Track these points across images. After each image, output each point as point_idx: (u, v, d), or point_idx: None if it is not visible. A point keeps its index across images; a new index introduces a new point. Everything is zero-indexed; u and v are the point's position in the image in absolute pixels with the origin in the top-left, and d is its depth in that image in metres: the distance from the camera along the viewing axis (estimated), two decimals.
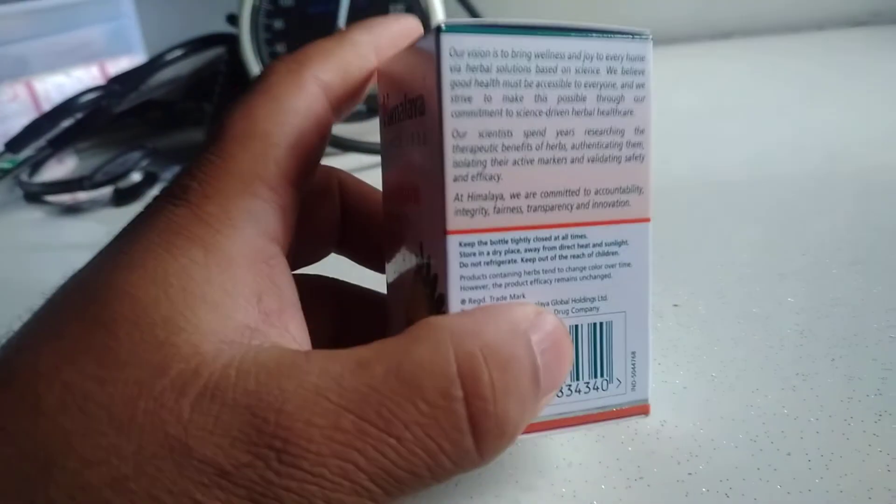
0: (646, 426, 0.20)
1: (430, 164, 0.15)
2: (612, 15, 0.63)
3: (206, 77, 0.51)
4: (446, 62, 0.14)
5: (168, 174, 0.47)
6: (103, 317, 0.13)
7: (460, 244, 0.15)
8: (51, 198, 0.46)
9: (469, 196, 0.14)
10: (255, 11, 0.45)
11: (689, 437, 0.20)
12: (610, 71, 0.16)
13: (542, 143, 0.15)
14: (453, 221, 0.14)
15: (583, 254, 0.16)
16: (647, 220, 0.17)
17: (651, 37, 0.17)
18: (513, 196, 0.15)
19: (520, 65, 0.15)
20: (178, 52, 0.50)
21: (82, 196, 0.45)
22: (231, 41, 0.48)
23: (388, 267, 0.20)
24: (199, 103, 0.51)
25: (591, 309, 0.16)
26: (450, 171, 0.14)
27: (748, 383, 0.22)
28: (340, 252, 0.22)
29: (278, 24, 0.45)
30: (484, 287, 0.15)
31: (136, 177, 0.44)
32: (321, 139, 0.17)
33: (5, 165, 0.48)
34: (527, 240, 0.15)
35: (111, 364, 0.12)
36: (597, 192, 0.16)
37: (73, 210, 0.44)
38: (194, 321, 0.13)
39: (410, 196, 0.16)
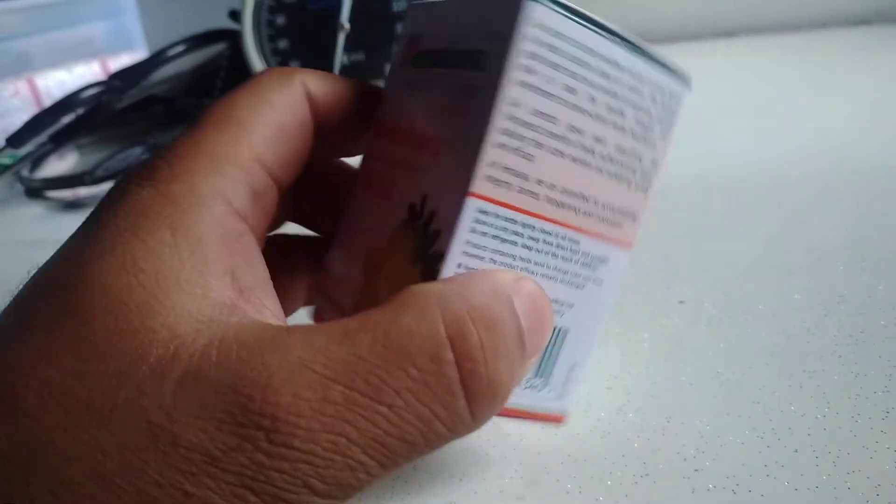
0: (652, 422, 0.20)
1: (473, 122, 0.14)
2: (613, 14, 0.63)
3: (207, 73, 0.51)
4: (528, 30, 0.14)
5: None
6: (76, 307, 0.12)
7: (477, 209, 0.14)
8: (52, 193, 0.45)
9: (502, 166, 0.14)
10: (258, 7, 0.45)
11: (696, 434, 0.20)
12: (652, 99, 0.16)
13: (578, 142, 0.15)
14: (479, 185, 0.14)
15: (571, 258, 0.16)
16: (630, 246, 0.17)
17: (691, 85, 0.17)
18: (538, 181, 0.15)
19: (587, 60, 0.15)
20: (179, 48, 0.50)
21: (83, 192, 0.44)
22: (233, 37, 0.48)
23: (354, 203, 0.19)
24: (201, 99, 0.50)
25: (557, 312, 0.17)
26: (493, 136, 0.14)
27: (754, 380, 0.21)
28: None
29: (280, 19, 0.45)
30: (481, 258, 0.15)
31: None
32: (303, 137, 0.17)
33: (6, 161, 0.48)
34: (532, 227, 0.15)
35: (88, 356, 0.12)
36: (603, 206, 0.16)
37: (74, 206, 0.44)
38: (169, 304, 0.12)
39: (425, 145, 0.16)
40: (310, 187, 0.19)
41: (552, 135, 0.15)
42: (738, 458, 0.19)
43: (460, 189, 0.14)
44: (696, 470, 0.18)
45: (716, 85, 0.51)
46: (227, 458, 0.11)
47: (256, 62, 0.45)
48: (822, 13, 0.61)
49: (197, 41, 0.50)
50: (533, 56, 0.14)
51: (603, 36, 0.15)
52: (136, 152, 0.45)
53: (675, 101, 0.17)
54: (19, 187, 0.47)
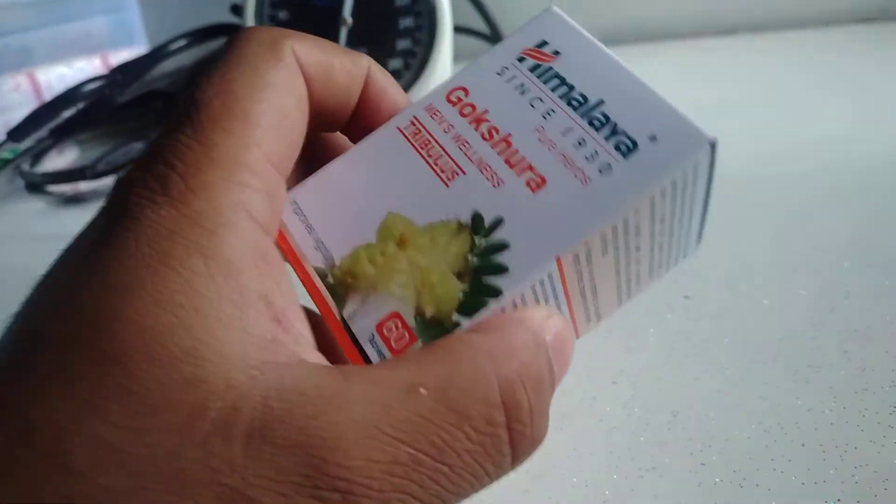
0: (658, 417, 0.20)
1: (594, 200, 0.15)
2: (614, 14, 0.63)
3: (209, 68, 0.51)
4: (690, 164, 0.15)
5: None
6: (116, 353, 0.11)
7: (549, 273, 0.15)
8: (52, 188, 0.45)
9: (587, 251, 0.15)
10: (260, 2, 0.44)
11: (702, 428, 0.19)
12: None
13: (634, 254, 0.17)
14: (566, 256, 0.15)
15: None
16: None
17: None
18: (590, 273, 0.16)
19: (686, 192, 0.16)
20: (181, 43, 0.50)
21: (84, 186, 0.44)
22: (235, 32, 0.47)
23: (378, 143, 0.18)
24: None
25: None
26: (607, 227, 0.15)
27: (760, 375, 0.21)
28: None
29: (283, 14, 0.45)
30: (517, 305, 0.15)
31: None
32: (302, 117, 0.16)
33: (7, 155, 0.48)
34: (558, 300, 0.16)
35: (140, 410, 0.11)
36: (597, 308, 0.18)
37: (74, 200, 0.44)
38: (216, 347, 0.12)
39: (525, 171, 0.16)
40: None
41: (627, 245, 0.16)
42: (744, 453, 0.18)
43: (552, 250, 0.15)
44: (702, 464, 0.18)
45: (718, 83, 0.51)
46: None
47: None
48: (824, 10, 0.61)
49: (198, 36, 0.50)
50: (676, 184, 0.15)
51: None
52: (136, 146, 0.45)
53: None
54: (20, 182, 0.47)
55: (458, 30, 0.49)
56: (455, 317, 0.15)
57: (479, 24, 0.51)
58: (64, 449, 0.11)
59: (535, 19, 0.18)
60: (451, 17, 0.45)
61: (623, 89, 0.17)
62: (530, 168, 0.16)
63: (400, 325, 0.16)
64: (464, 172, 0.16)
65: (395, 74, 0.45)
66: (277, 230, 0.15)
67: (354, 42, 0.45)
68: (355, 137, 0.18)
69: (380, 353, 0.15)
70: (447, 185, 0.16)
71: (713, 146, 0.15)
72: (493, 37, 0.50)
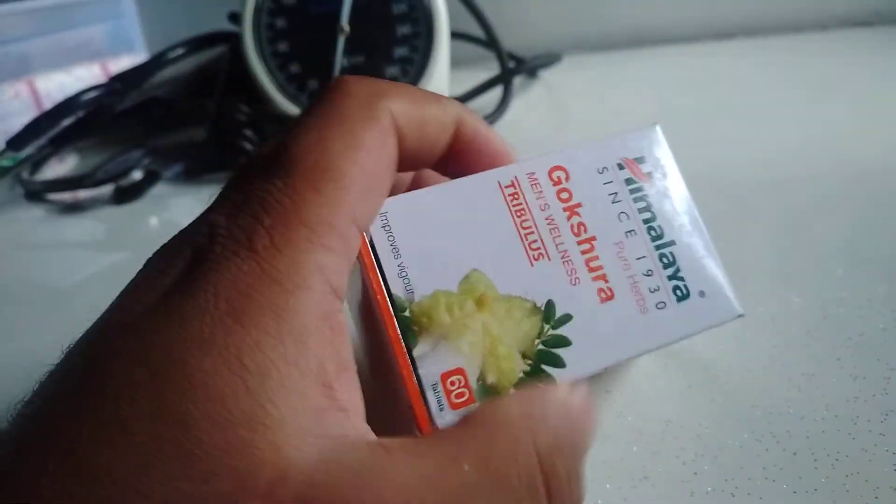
0: (651, 426, 0.20)
1: (653, 330, 0.18)
2: (613, 19, 0.63)
3: (208, 75, 0.51)
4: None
5: (169, 173, 0.47)
6: (178, 410, 0.11)
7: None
8: (52, 196, 0.45)
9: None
10: (258, 10, 0.45)
11: (694, 437, 0.20)
12: None
13: None
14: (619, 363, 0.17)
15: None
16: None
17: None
18: None
19: None
20: (179, 51, 0.50)
21: (83, 194, 0.44)
22: (233, 39, 0.48)
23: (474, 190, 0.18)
24: (201, 102, 0.50)
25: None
26: (653, 349, 0.18)
27: (753, 383, 0.21)
28: None
29: (280, 22, 0.45)
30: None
31: (137, 175, 0.44)
32: (391, 176, 0.16)
33: (6, 163, 0.48)
34: None
35: (193, 474, 0.11)
36: None
37: (73, 208, 0.44)
38: (275, 414, 0.12)
39: (600, 281, 0.18)
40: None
41: None
42: (736, 462, 0.19)
43: (602, 360, 0.17)
44: (694, 473, 0.18)
45: (714, 87, 0.51)
46: None
47: (256, 65, 0.45)
48: (821, 15, 0.61)
49: (197, 44, 0.50)
50: None
51: None
52: (135, 154, 0.45)
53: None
54: (19, 190, 0.47)
55: (455, 36, 0.50)
56: (512, 391, 0.17)
57: (476, 31, 0.51)
58: (120, 502, 0.10)
59: (640, 131, 0.19)
60: (447, 24, 0.45)
61: (691, 236, 0.19)
62: (604, 279, 0.18)
63: (463, 381, 0.17)
64: (549, 258, 0.18)
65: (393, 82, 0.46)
66: (361, 240, 0.15)
67: (352, 50, 0.45)
68: (443, 171, 0.19)
69: (439, 402, 0.16)
70: (532, 264, 0.17)
71: (740, 316, 0.18)
72: (490, 43, 0.50)
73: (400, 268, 0.17)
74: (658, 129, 0.19)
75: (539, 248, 0.17)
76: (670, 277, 0.18)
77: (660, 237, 0.18)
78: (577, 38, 0.64)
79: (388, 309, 0.17)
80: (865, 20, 0.60)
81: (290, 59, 0.45)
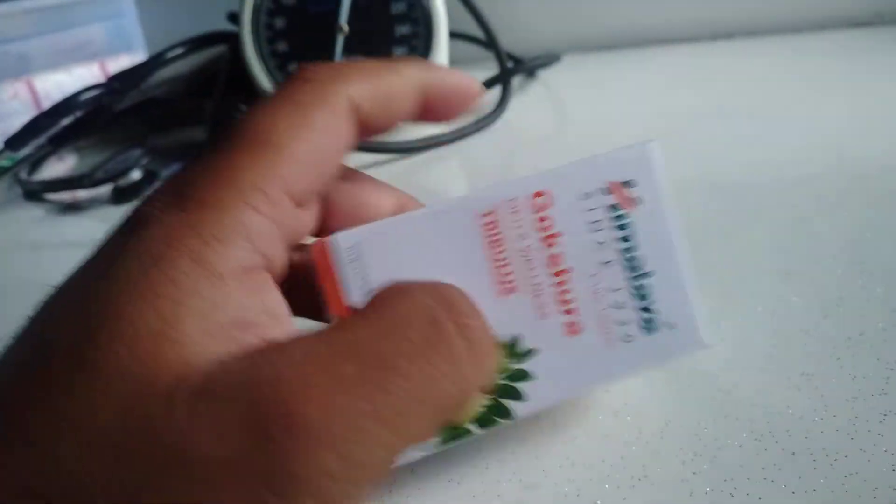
0: (650, 425, 0.20)
1: (617, 363, 0.18)
2: (612, 19, 0.63)
3: (207, 75, 0.51)
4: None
5: (168, 172, 0.47)
6: (91, 333, 0.12)
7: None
8: (50, 196, 0.45)
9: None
10: (257, 9, 0.45)
11: (694, 437, 0.20)
12: None
13: None
14: (581, 393, 0.19)
15: None
16: None
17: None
18: None
19: None
20: (178, 51, 0.50)
21: (82, 194, 0.44)
22: (232, 39, 0.48)
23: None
24: (200, 101, 0.50)
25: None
26: (616, 381, 0.20)
27: (752, 382, 0.21)
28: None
29: (280, 22, 0.45)
30: None
31: (135, 175, 0.44)
32: (338, 159, 0.17)
33: (5, 163, 0.48)
34: None
35: (99, 384, 0.12)
36: None
37: (72, 208, 0.44)
38: (181, 329, 0.12)
39: (566, 315, 0.17)
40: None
41: None
42: (735, 461, 0.19)
43: (563, 392, 0.18)
44: (693, 473, 0.18)
45: (713, 87, 0.51)
46: (245, 462, 0.11)
47: (255, 64, 0.45)
48: (820, 15, 0.61)
49: (196, 43, 0.50)
50: None
51: None
52: (134, 154, 0.45)
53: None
54: (18, 189, 0.47)
55: (454, 36, 0.50)
56: (470, 425, 0.17)
57: (475, 31, 0.51)
58: (25, 421, 0.12)
59: (633, 149, 0.17)
60: (446, 24, 0.45)
61: (670, 268, 0.18)
62: (574, 312, 0.17)
63: None
64: (520, 291, 0.17)
65: None
66: (278, 264, 0.16)
67: (351, 50, 0.45)
68: (418, 119, 0.19)
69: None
70: (500, 296, 0.17)
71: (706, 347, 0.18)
72: (489, 43, 0.50)
73: (369, 292, 0.17)
74: (654, 146, 0.18)
75: (511, 282, 0.17)
76: (642, 309, 0.17)
77: (637, 268, 0.17)
78: (576, 38, 0.64)
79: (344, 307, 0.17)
80: (866, 20, 0.60)
81: (289, 59, 0.45)
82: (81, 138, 0.51)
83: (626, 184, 0.17)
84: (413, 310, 0.14)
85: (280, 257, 0.16)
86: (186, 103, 0.54)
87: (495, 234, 0.17)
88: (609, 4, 0.62)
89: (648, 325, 0.18)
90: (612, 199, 0.17)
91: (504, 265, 0.17)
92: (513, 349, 0.17)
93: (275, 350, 0.13)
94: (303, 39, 0.45)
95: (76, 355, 0.12)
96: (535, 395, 0.17)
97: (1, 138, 0.48)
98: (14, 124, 0.48)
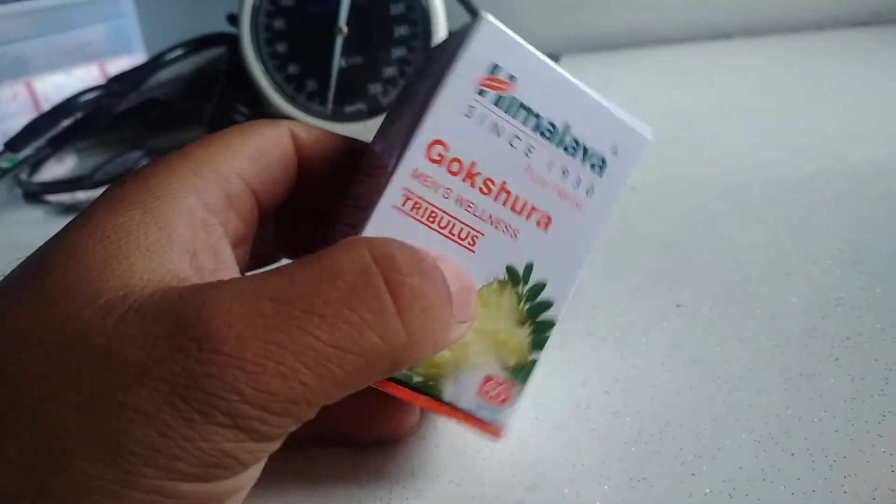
0: (649, 426, 0.20)
1: (588, 222, 0.18)
2: (610, 20, 0.63)
3: (206, 77, 0.51)
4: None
5: None
6: (45, 266, 0.14)
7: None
8: (50, 197, 0.45)
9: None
10: (256, 11, 0.45)
11: (693, 438, 0.20)
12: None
13: None
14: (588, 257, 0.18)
15: None
16: None
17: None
18: None
19: None
20: (178, 52, 0.50)
21: (82, 195, 0.44)
22: (231, 41, 0.48)
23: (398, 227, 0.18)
24: (199, 103, 0.50)
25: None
26: (607, 228, 0.18)
27: (752, 383, 0.21)
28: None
29: (279, 23, 0.45)
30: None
31: None
32: (285, 167, 0.19)
33: (5, 165, 0.48)
34: None
35: (48, 302, 0.13)
36: None
37: (72, 209, 0.44)
38: (126, 263, 0.14)
39: (532, 215, 0.18)
40: (298, 223, 0.21)
41: None
42: (735, 463, 0.19)
43: (575, 269, 0.18)
44: (693, 474, 0.18)
45: (713, 87, 0.51)
46: (158, 368, 0.12)
47: (255, 65, 0.45)
48: (819, 15, 0.61)
49: (195, 45, 0.50)
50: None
51: None
52: (134, 156, 0.45)
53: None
54: (17, 191, 0.47)
55: None
56: (531, 356, 0.18)
57: None
58: None
59: (475, 34, 0.16)
60: (445, 25, 0.45)
61: (578, 106, 0.18)
62: (535, 210, 0.17)
63: (495, 383, 0.18)
64: (482, 234, 0.17)
65: (391, 83, 0.46)
66: (229, 229, 0.17)
67: (349, 51, 0.45)
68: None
69: (492, 411, 0.18)
70: (472, 250, 0.17)
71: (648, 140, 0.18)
72: None
73: None
74: (489, 19, 0.17)
75: (469, 233, 0.17)
76: (583, 160, 0.18)
77: (554, 131, 0.17)
78: (575, 38, 0.64)
79: (399, 389, 0.17)
80: (865, 20, 0.60)
81: (288, 60, 0.45)
82: (81, 140, 0.51)
83: (493, 71, 0.17)
84: (348, 260, 0.14)
85: (232, 221, 0.17)
86: (186, 105, 0.54)
87: (425, 211, 0.17)
88: (608, 4, 0.62)
89: (597, 166, 0.18)
90: (492, 96, 0.17)
91: (453, 226, 0.17)
92: (515, 279, 0.18)
93: (210, 285, 0.14)
94: (302, 41, 0.45)
95: (30, 281, 0.14)
96: (557, 293, 0.18)
97: (1, 139, 0.48)
98: (13, 126, 0.48)
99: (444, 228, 0.17)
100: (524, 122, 0.17)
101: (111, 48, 0.61)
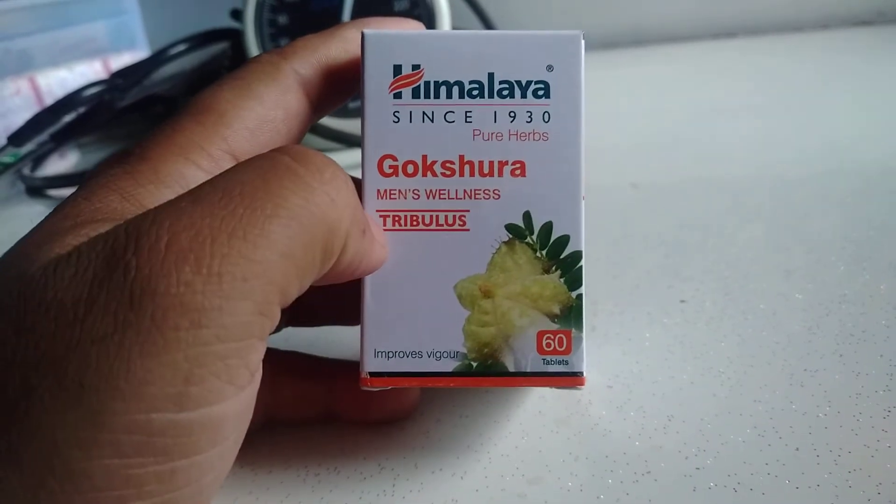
0: (653, 421, 0.20)
1: (564, 140, 0.18)
2: (613, 18, 0.63)
3: (209, 72, 0.51)
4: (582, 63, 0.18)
5: None
6: (18, 245, 0.14)
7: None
8: (53, 192, 0.45)
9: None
10: (260, 6, 0.45)
11: (697, 432, 0.20)
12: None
13: None
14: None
15: None
16: None
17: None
18: None
19: None
20: (181, 47, 0.50)
21: None
22: (235, 36, 0.48)
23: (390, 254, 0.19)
24: None
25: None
26: (583, 142, 0.18)
27: (756, 379, 0.21)
28: None
29: (282, 19, 0.45)
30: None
31: None
32: (291, 127, 0.18)
33: (7, 160, 0.48)
34: None
35: (6, 263, 0.14)
36: None
37: None
38: (89, 230, 0.14)
39: (503, 168, 0.18)
40: None
41: None
42: (739, 457, 0.19)
43: (577, 196, 0.18)
44: (697, 468, 0.18)
45: (716, 85, 0.51)
46: (102, 291, 0.12)
47: None
48: (822, 14, 0.61)
49: (198, 40, 0.50)
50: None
51: None
52: None
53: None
54: (20, 186, 0.47)
55: None
56: (573, 294, 0.18)
57: (477, 27, 0.51)
58: None
59: (365, 52, 0.17)
60: (449, 22, 0.45)
61: (488, 52, 0.18)
62: (504, 163, 0.18)
63: (551, 334, 0.18)
64: (467, 210, 0.18)
65: None
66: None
67: None
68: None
69: (561, 362, 0.18)
70: (466, 229, 0.18)
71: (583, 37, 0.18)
72: None
73: (430, 354, 0.18)
74: (366, 31, 0.18)
75: (454, 216, 0.18)
76: (524, 94, 0.18)
77: (480, 86, 0.18)
78: None
79: (469, 380, 0.18)
80: (867, 19, 0.60)
81: None
82: (84, 135, 0.51)
83: (396, 73, 0.17)
84: (264, 156, 0.14)
85: None
86: (189, 100, 0.54)
87: (406, 219, 0.18)
88: (609, 4, 0.62)
89: (541, 91, 0.18)
90: (408, 92, 0.18)
91: (436, 218, 0.18)
92: (519, 234, 0.18)
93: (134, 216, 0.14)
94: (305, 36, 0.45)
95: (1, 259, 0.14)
96: (569, 225, 0.18)
97: (4, 134, 0.48)
98: (16, 121, 0.49)
99: (429, 224, 0.18)
100: (448, 96, 0.18)
101: (114, 44, 0.61)
